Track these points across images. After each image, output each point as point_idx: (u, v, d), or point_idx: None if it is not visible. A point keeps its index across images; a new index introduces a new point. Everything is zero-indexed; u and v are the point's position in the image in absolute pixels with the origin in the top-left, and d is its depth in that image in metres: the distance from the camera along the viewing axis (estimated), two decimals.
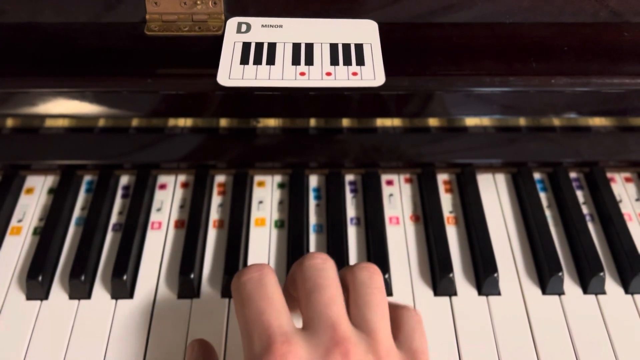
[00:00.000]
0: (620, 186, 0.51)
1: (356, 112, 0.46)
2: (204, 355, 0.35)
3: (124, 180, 0.51)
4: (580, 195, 0.50)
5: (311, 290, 0.32)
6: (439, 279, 0.43)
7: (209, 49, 0.44)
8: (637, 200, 0.50)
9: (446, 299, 0.43)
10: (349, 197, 0.50)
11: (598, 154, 0.50)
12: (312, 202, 0.49)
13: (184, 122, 0.48)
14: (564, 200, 0.49)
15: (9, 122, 0.48)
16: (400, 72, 0.43)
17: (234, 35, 0.44)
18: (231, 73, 0.41)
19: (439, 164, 0.51)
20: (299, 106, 0.45)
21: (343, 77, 0.41)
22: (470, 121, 0.49)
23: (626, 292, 0.44)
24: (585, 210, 0.49)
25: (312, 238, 0.47)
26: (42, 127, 0.48)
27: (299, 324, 0.32)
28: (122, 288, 0.43)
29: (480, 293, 0.44)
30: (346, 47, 0.43)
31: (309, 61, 0.42)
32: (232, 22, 0.45)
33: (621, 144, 0.50)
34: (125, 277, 0.42)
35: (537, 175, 0.52)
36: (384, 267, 0.44)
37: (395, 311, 0.34)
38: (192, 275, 0.42)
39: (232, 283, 0.33)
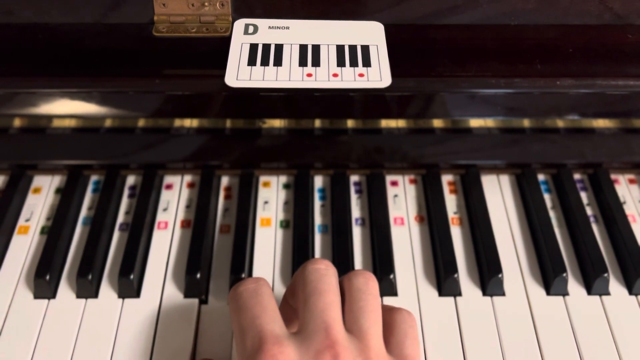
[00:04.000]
0: (624, 187, 0.51)
1: (362, 113, 0.47)
2: None
3: (131, 180, 0.51)
4: (584, 196, 0.51)
5: (310, 294, 0.32)
6: (444, 280, 0.43)
7: (217, 50, 0.44)
8: None
9: (451, 299, 0.43)
10: (353, 197, 0.50)
11: (602, 155, 0.50)
12: (317, 203, 0.50)
13: (190, 122, 0.48)
14: (568, 202, 0.49)
15: (16, 122, 0.48)
16: (406, 73, 0.43)
17: (242, 36, 0.44)
18: (239, 74, 0.41)
19: (444, 165, 0.51)
20: (305, 107, 0.46)
21: (350, 79, 0.41)
22: (475, 122, 0.49)
23: (630, 293, 0.44)
24: (589, 211, 0.49)
25: (317, 238, 0.47)
26: (49, 127, 0.48)
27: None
28: (129, 287, 0.43)
29: (484, 293, 0.44)
30: (352, 48, 0.44)
31: (316, 62, 0.42)
32: (240, 24, 0.45)
33: (625, 145, 0.50)
34: (132, 277, 0.43)
35: (541, 177, 0.52)
36: (389, 268, 0.44)
37: (389, 315, 0.34)
38: (198, 275, 0.43)
39: (229, 293, 0.35)
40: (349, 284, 0.34)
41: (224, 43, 0.44)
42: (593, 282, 0.44)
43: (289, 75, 0.41)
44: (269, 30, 0.45)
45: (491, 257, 0.44)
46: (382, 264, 0.44)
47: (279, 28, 0.45)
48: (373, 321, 0.32)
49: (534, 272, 0.45)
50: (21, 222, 0.48)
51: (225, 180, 0.51)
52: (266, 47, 0.43)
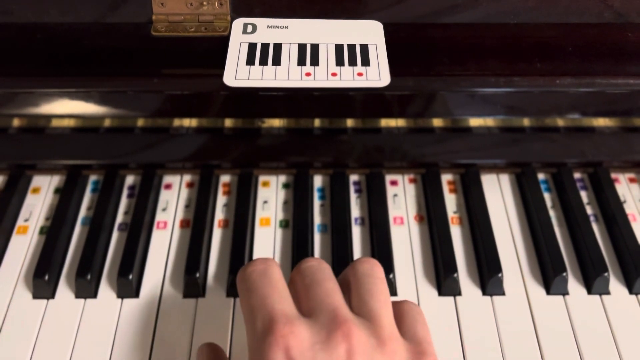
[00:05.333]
0: (625, 187, 0.51)
1: (361, 112, 0.47)
2: (213, 359, 0.35)
3: (130, 180, 0.51)
4: (584, 195, 0.50)
5: (310, 285, 0.32)
6: (444, 279, 0.43)
7: (215, 49, 0.44)
8: None
9: (450, 299, 0.43)
10: (353, 197, 0.50)
11: (602, 154, 0.50)
12: (317, 202, 0.49)
13: (189, 122, 0.48)
14: (568, 201, 0.49)
15: (15, 122, 0.48)
16: (406, 72, 0.43)
17: (240, 35, 0.44)
18: (237, 73, 0.41)
19: (443, 164, 0.51)
20: (304, 106, 0.46)
21: (348, 78, 0.41)
22: (475, 121, 0.49)
23: (630, 292, 0.44)
24: (589, 210, 0.49)
25: (317, 238, 0.47)
26: (48, 127, 0.48)
27: None
28: (128, 287, 0.43)
29: (484, 293, 0.44)
30: (351, 47, 0.44)
31: (315, 62, 0.42)
32: (238, 23, 0.45)
33: (625, 144, 0.50)
34: (131, 277, 0.43)
35: (541, 176, 0.52)
36: (389, 267, 0.44)
37: (396, 306, 0.34)
38: (197, 275, 0.43)
39: (237, 275, 0.34)
40: (354, 271, 0.34)
41: (223, 42, 0.44)
42: (593, 282, 0.43)
43: (287, 75, 0.41)
44: (267, 29, 0.45)
45: (491, 256, 0.44)
46: (382, 263, 0.43)
47: (278, 27, 0.45)
48: (383, 302, 0.32)
49: (534, 272, 0.45)
50: (20, 222, 0.48)
51: (224, 180, 0.51)
52: (265, 46, 0.43)
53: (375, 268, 0.34)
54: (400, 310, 0.34)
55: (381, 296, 0.32)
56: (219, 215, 0.49)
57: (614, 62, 0.44)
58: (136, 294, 0.43)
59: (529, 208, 0.49)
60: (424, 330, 0.33)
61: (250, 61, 0.42)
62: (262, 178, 0.51)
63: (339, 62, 0.42)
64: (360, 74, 0.42)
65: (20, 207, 0.49)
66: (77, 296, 0.43)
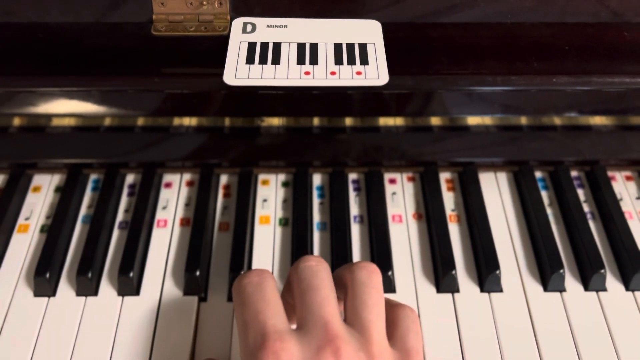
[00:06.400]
0: (621, 184, 0.51)
1: (360, 111, 0.47)
2: None
3: (130, 178, 0.51)
4: (581, 193, 0.51)
5: (305, 290, 0.32)
6: (442, 276, 0.44)
7: (215, 48, 0.44)
8: (637, 198, 0.51)
9: (449, 295, 0.44)
10: (352, 195, 0.50)
11: (599, 152, 0.51)
12: (316, 201, 0.50)
13: (189, 121, 0.48)
14: (565, 199, 0.49)
15: (16, 121, 0.48)
16: (404, 71, 0.43)
17: (240, 35, 0.45)
18: (237, 72, 0.42)
19: (442, 163, 0.51)
20: (303, 105, 0.46)
21: (347, 77, 0.42)
22: (472, 120, 0.49)
23: (627, 289, 0.44)
24: (586, 208, 0.50)
25: (316, 236, 0.47)
26: (48, 126, 0.49)
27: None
28: (129, 285, 0.43)
29: (482, 290, 0.44)
30: (350, 46, 0.44)
31: (314, 61, 0.43)
32: (238, 22, 0.46)
33: (622, 142, 0.51)
34: (131, 274, 0.43)
35: (538, 174, 0.52)
36: (387, 265, 0.44)
37: (392, 310, 0.34)
38: (197, 273, 0.43)
39: (233, 285, 0.35)
40: (352, 276, 0.34)
41: (223, 42, 0.44)
42: (590, 279, 0.44)
43: (287, 74, 0.42)
44: (267, 28, 0.45)
45: (489, 253, 0.45)
46: (381, 261, 0.44)
47: (277, 27, 0.45)
48: (375, 315, 0.32)
49: (532, 269, 0.45)
50: (21, 220, 0.48)
51: (224, 179, 0.51)
52: (264, 45, 0.44)
53: (372, 276, 0.34)
54: (394, 317, 0.34)
55: (375, 308, 0.32)
56: (219, 213, 0.49)
57: (611, 61, 0.45)
58: (137, 292, 0.43)
59: (526, 206, 0.49)
60: (415, 339, 0.33)
61: (249, 60, 0.43)
62: (261, 177, 0.51)
63: (338, 61, 0.43)
64: (359, 73, 0.42)
65: (21, 205, 0.49)
66: (78, 294, 0.43)
